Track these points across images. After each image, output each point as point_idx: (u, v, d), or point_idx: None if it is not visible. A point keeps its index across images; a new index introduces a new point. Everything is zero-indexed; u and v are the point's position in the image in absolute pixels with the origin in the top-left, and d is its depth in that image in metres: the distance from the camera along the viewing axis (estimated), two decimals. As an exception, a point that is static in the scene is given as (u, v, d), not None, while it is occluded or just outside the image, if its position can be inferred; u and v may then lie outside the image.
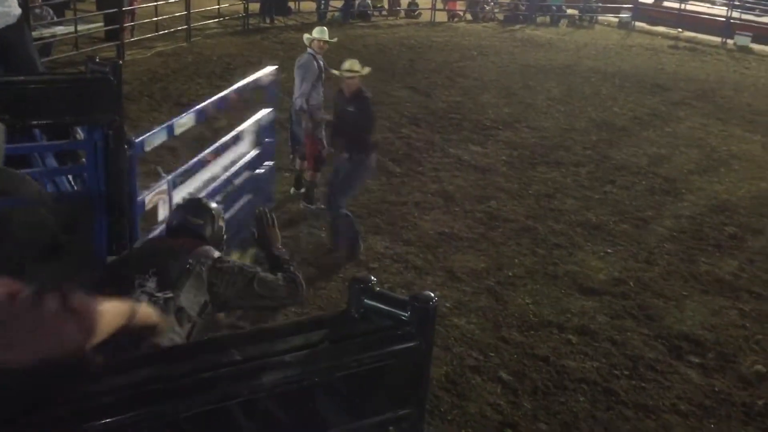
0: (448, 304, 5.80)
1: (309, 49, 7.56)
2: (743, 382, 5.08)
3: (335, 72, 6.79)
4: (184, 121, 3.93)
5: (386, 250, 6.67)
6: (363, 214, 7.45)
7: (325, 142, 7.49)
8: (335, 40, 8.29)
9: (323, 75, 7.59)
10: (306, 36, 7.75)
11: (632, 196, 8.38)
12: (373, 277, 1.63)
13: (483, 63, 15.33)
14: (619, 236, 7.27)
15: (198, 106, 4.18)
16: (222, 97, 4.41)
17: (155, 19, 15.21)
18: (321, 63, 7.57)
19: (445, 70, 14.21)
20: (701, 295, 6.25)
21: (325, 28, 7.95)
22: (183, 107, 10.48)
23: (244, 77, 4.88)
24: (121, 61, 3.42)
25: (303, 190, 7.70)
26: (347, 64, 6.61)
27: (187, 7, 15.35)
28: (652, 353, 5.33)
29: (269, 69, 5.09)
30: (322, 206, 7.21)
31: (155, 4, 15.87)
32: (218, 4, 17.81)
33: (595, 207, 7.99)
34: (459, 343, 5.28)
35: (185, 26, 15.33)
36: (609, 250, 6.96)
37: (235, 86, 4.67)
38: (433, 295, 1.58)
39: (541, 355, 5.20)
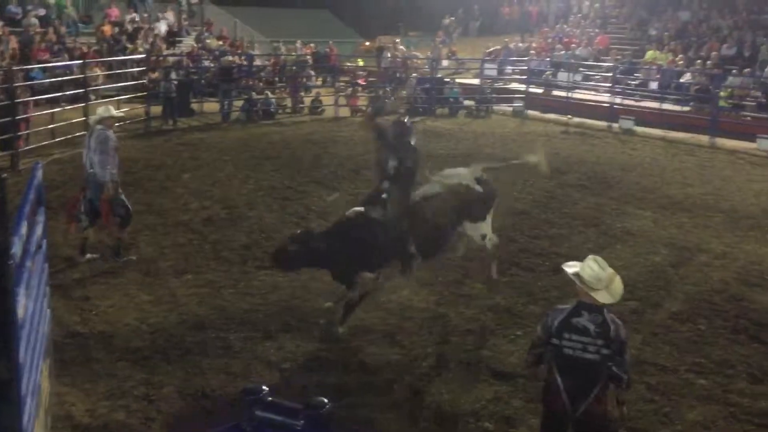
0: (364, 401, 5.69)
1: (99, 126, 8.48)
2: (657, 456, 5.15)
3: None
4: None
5: (297, 348, 6.54)
6: (273, 311, 7.32)
7: (126, 201, 8.61)
8: (121, 113, 9.26)
9: (116, 146, 8.65)
10: (93, 118, 8.88)
11: (537, 277, 8.59)
12: (264, 387, 1.57)
13: (387, 155, 15.66)
14: (527, 318, 7.39)
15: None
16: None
17: (51, 126, 14.90)
18: (113, 137, 8.58)
19: (349, 164, 14.41)
20: (610, 370, 6.36)
21: (111, 106, 9.32)
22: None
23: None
24: (4, 174, 3.28)
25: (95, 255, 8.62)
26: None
27: (85, 113, 15.13)
28: (568, 434, 5.34)
29: None
30: (133, 257, 8.56)
31: (51, 111, 15.59)
32: (118, 108, 17.65)
33: (503, 290, 8.14)
34: (376, 441, 5.15)
35: (83, 132, 15.05)
36: (519, 333, 7.05)
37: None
38: (326, 400, 1.53)
39: (459, 447, 5.13)
